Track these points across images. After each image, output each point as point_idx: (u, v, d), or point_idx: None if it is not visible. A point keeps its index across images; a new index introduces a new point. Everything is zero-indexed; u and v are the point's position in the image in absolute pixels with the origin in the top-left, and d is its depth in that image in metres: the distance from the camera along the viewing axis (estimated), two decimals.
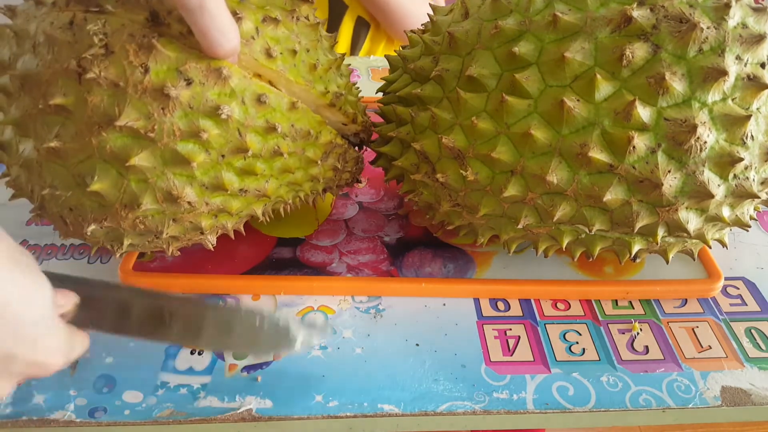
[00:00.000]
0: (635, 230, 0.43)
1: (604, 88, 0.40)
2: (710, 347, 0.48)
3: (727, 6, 0.40)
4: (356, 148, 0.53)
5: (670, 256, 0.48)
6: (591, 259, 0.50)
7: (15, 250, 0.31)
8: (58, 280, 0.41)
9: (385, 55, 0.55)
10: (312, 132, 0.45)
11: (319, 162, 0.47)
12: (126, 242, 0.44)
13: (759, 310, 0.52)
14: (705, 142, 0.40)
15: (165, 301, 0.42)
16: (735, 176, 0.42)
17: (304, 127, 0.44)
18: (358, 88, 0.53)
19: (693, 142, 0.40)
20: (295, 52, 0.43)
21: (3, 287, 0.29)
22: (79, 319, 0.38)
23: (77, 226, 0.43)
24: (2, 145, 0.42)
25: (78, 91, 0.38)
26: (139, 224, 0.42)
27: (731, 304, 0.52)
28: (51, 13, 0.40)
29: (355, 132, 0.51)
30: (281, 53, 0.42)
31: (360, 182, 0.55)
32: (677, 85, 0.39)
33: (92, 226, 0.42)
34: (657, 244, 0.45)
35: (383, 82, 0.55)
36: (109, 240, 0.44)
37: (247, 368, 0.45)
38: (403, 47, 0.53)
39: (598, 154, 0.40)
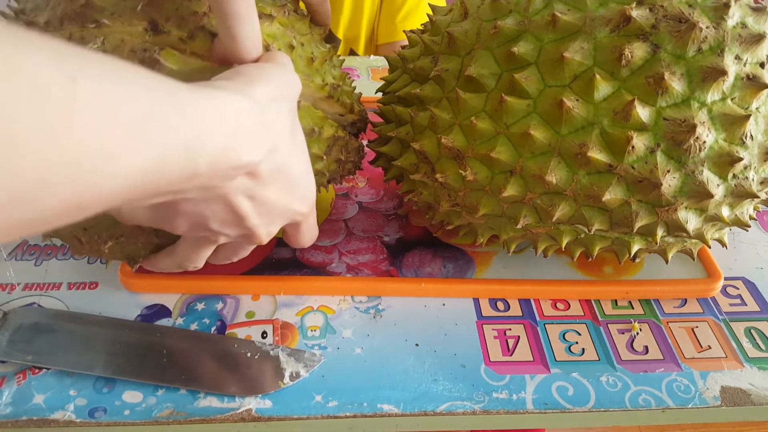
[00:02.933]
0: (634, 230, 0.43)
1: (603, 88, 0.40)
2: (710, 347, 0.48)
3: (727, 6, 0.40)
4: (355, 137, 0.53)
5: (670, 256, 0.48)
6: (590, 259, 0.50)
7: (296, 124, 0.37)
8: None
9: (385, 56, 0.55)
10: (315, 129, 0.45)
11: (324, 157, 0.47)
12: (144, 254, 0.44)
13: (759, 310, 0.52)
14: (704, 142, 0.40)
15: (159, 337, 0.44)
16: (734, 176, 0.42)
17: (307, 125, 0.44)
18: (351, 77, 0.53)
19: (692, 142, 0.40)
20: (292, 47, 0.43)
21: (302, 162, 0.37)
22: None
23: (93, 244, 0.43)
24: None
25: None
26: (154, 238, 0.42)
27: (731, 304, 0.52)
28: (45, 35, 0.39)
29: (353, 121, 0.51)
30: (279, 50, 0.42)
31: (361, 169, 0.54)
32: (676, 84, 0.39)
33: (109, 243, 0.42)
34: (656, 243, 0.45)
35: (383, 82, 0.55)
36: (126, 254, 0.44)
37: None
38: (403, 47, 0.53)
39: (597, 154, 0.40)
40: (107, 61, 0.23)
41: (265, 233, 0.36)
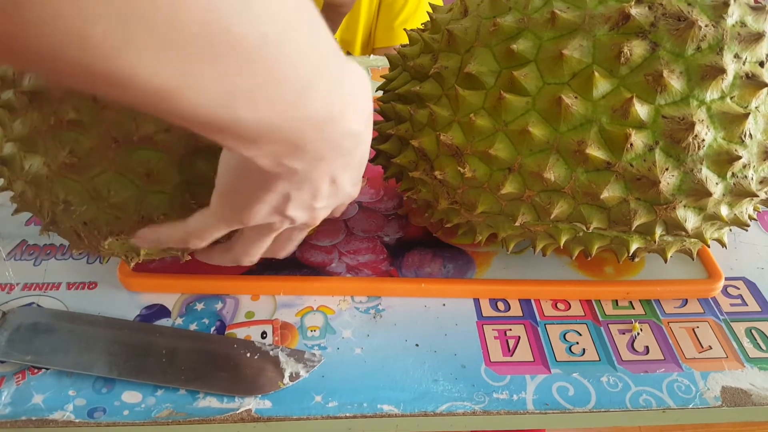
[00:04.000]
0: (633, 228, 0.43)
1: (602, 86, 0.40)
2: (710, 347, 0.48)
3: (726, 4, 0.40)
4: None
5: (669, 255, 0.48)
6: (589, 258, 0.49)
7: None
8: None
9: (385, 54, 0.55)
10: None
11: None
12: (142, 252, 0.44)
13: (759, 310, 0.51)
14: (703, 140, 0.40)
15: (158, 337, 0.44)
16: (733, 175, 0.42)
17: None
18: None
19: (691, 140, 0.39)
20: None
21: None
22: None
23: (92, 239, 0.43)
24: (3, 160, 0.42)
25: (93, 108, 0.38)
26: None
27: (731, 304, 0.52)
28: None
29: None
30: None
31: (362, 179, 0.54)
32: (675, 82, 0.39)
33: (109, 240, 0.42)
34: (655, 242, 0.45)
35: (382, 81, 0.55)
36: (125, 251, 0.44)
37: None
38: (403, 45, 0.53)
39: (595, 152, 0.40)
40: None
41: (322, 216, 0.37)
